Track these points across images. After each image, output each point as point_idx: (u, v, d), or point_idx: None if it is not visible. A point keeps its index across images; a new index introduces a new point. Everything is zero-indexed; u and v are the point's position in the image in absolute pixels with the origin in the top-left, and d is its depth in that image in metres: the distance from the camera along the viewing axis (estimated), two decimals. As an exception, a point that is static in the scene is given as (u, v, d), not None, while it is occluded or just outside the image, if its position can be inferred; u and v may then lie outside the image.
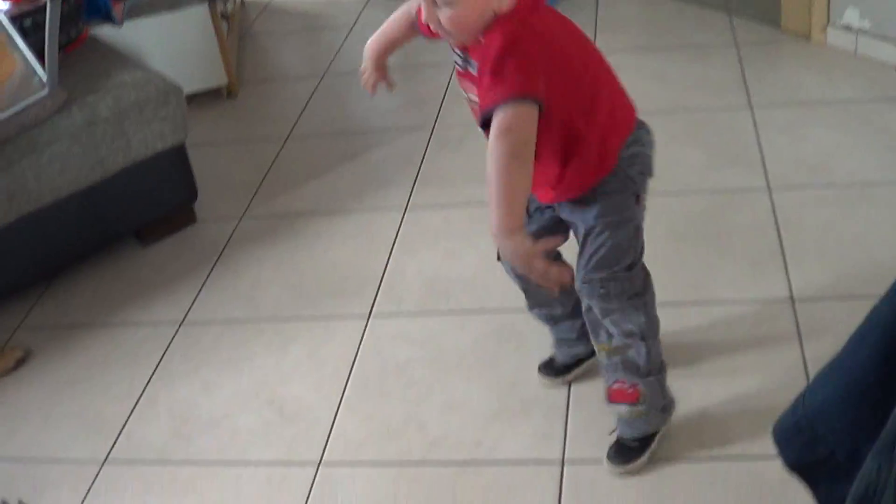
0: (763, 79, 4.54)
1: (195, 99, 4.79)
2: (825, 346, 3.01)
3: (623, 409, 2.78)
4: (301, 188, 4.30)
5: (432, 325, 3.42)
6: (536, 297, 2.96)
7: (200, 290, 3.77)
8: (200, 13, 4.89)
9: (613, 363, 2.74)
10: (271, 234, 4.03)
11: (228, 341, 3.52)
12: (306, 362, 3.35)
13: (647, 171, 2.67)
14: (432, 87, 4.90)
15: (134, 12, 4.64)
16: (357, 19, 5.83)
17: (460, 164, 4.26)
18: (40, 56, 3.68)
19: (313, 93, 5.07)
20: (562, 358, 3.12)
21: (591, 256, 2.61)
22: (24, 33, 3.79)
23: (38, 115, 3.65)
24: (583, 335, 2.92)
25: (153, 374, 3.42)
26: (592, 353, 2.94)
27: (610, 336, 2.71)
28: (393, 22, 2.72)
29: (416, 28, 2.63)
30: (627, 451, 2.82)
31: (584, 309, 2.73)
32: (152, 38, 4.84)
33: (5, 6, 3.94)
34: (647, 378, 2.73)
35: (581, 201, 2.59)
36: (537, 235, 2.50)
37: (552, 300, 2.91)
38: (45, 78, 3.65)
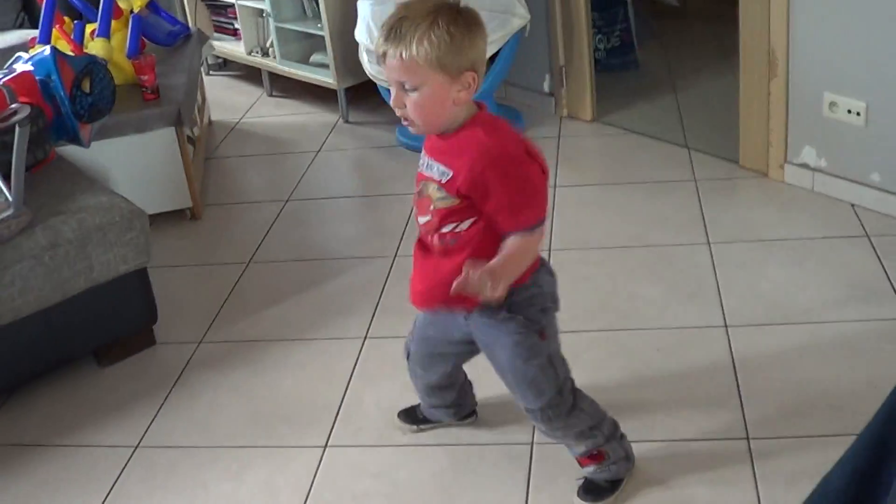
0: (721, 215, 4.60)
1: (158, 219, 4.81)
2: (780, 485, 3.04)
3: (591, 469, 3.10)
4: (261, 314, 4.30)
5: (389, 457, 3.40)
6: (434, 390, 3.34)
7: (157, 414, 3.75)
8: (167, 136, 4.93)
9: (576, 451, 3.09)
10: (230, 359, 4.02)
11: (184, 467, 3.48)
12: (262, 491, 3.32)
13: (548, 308, 2.97)
14: (394, 217, 4.93)
15: (101, 133, 4.67)
16: (322, 146, 5.88)
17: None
18: (6, 176, 3.71)
19: (276, 218, 5.09)
20: (427, 414, 3.48)
21: (516, 394, 3.00)
22: (-9, 153, 3.82)
23: (2, 235, 3.65)
24: (451, 406, 3.41)
25: (105, 498, 3.38)
26: (456, 417, 3.45)
27: (562, 439, 3.08)
28: None
29: None
30: (598, 490, 3.12)
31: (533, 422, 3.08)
32: (119, 158, 4.87)
33: (-28, 126, 3.96)
34: (606, 445, 3.06)
35: (487, 325, 2.91)
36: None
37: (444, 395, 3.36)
38: (10, 198, 3.67)
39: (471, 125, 2.71)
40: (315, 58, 6.38)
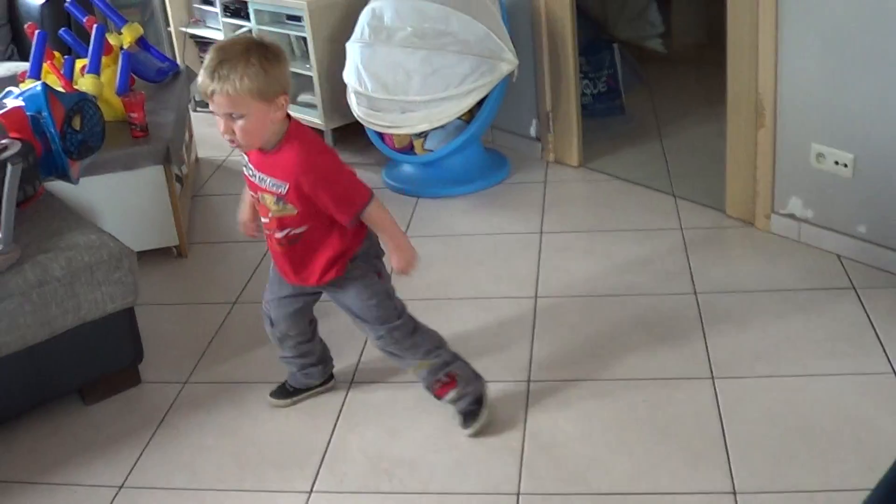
0: (708, 264, 4.62)
1: (145, 256, 4.80)
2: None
3: (451, 395, 3.64)
4: (246, 355, 4.29)
5: (374, 505, 3.40)
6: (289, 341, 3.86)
7: (141, 455, 3.73)
8: (155, 174, 4.93)
9: (423, 375, 3.66)
10: (215, 400, 4.01)
11: (168, 510, 3.48)
12: (246, 536, 3.31)
13: (379, 254, 3.57)
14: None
15: (90, 170, 4.66)
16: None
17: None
18: (-5, 211, 3.71)
19: (262, 258, 5.08)
20: (295, 383, 3.96)
21: (368, 332, 3.63)
22: (-20, 189, 3.81)
23: (-10, 272, 3.66)
24: (318, 363, 3.94)
25: (88, 539, 3.38)
26: (322, 384, 3.98)
27: (416, 360, 3.63)
28: (245, 195, 3.64)
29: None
30: (472, 414, 3.65)
31: (384, 351, 3.65)
32: (107, 195, 4.87)
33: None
34: (453, 365, 3.64)
35: (337, 285, 3.53)
36: (301, 309, 3.74)
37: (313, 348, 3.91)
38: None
39: (287, 141, 3.28)
40: (303, 98, 6.40)
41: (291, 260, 3.49)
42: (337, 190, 3.30)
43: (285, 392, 3.95)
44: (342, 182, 3.32)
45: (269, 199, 3.33)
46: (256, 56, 3.11)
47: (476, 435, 3.62)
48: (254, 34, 3.20)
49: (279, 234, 3.40)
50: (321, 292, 3.68)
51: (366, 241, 3.51)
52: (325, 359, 3.97)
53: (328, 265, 3.46)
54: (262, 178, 3.34)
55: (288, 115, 3.32)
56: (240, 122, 3.15)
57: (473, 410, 3.65)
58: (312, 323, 3.87)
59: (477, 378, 3.69)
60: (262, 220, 3.46)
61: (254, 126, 3.17)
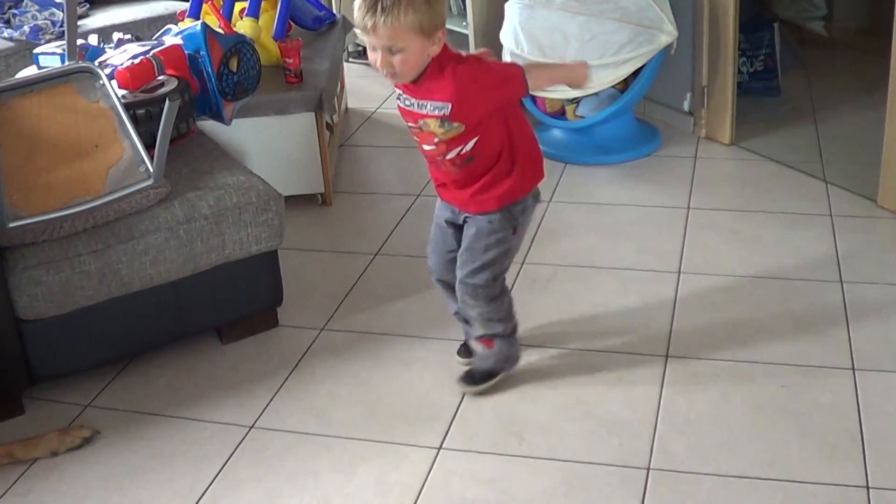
0: (856, 253, 4.52)
1: (289, 202, 4.82)
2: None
3: (479, 349, 3.71)
4: (385, 307, 4.31)
5: (502, 466, 3.38)
6: None
7: (274, 397, 3.77)
8: (307, 121, 4.96)
9: (476, 333, 3.70)
10: (351, 349, 4.03)
11: (297, 453, 3.50)
12: (372, 487, 3.32)
13: (528, 209, 3.58)
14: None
15: (242, 112, 4.70)
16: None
17: (546, 303, 4.25)
18: (149, 146, 3.75)
19: (407, 210, 5.11)
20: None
21: (466, 265, 3.57)
22: (136, 121, 3.86)
23: (140, 204, 3.71)
24: None
25: (217, 475, 3.41)
26: None
27: (474, 316, 3.65)
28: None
29: None
30: (472, 377, 3.73)
31: (458, 299, 3.67)
32: (257, 138, 4.93)
33: (122, 92, 4.01)
34: (502, 339, 3.67)
35: (472, 222, 3.54)
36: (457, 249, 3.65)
37: None
38: (151, 168, 3.71)
39: (437, 63, 3.25)
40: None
41: (467, 181, 3.48)
42: (492, 71, 3.34)
43: (469, 349, 3.88)
44: (489, 65, 3.35)
45: (433, 123, 3.32)
46: None
47: (466, 392, 3.71)
48: None
49: (451, 155, 3.39)
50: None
51: (527, 196, 3.53)
52: None
53: (504, 178, 3.46)
54: (422, 104, 3.32)
55: None
56: (398, 56, 3.16)
57: (476, 377, 3.73)
58: None
59: (507, 360, 3.74)
60: (427, 147, 3.44)
61: (413, 59, 3.18)
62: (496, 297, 3.61)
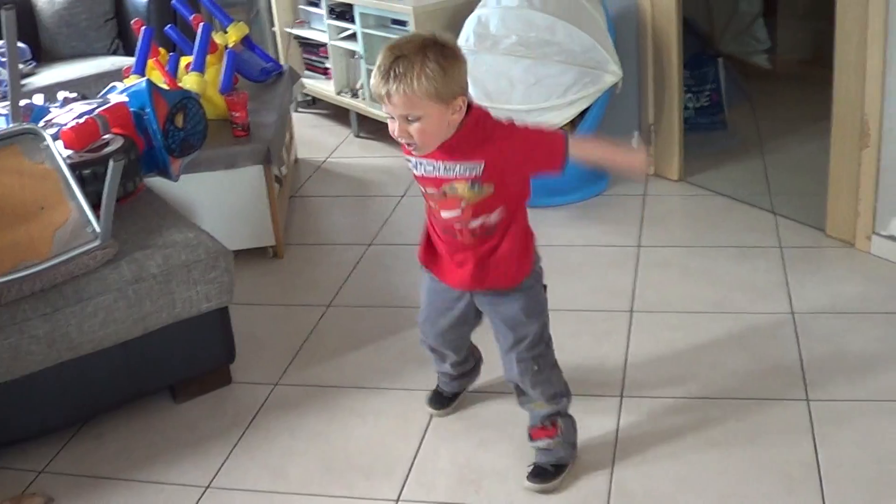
0: (806, 284, 4.55)
1: (241, 255, 4.82)
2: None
3: (544, 442, 3.48)
4: (339, 359, 4.29)
5: (461, 515, 3.37)
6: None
7: (229, 455, 3.75)
8: (255, 174, 4.96)
9: (536, 414, 3.51)
10: (306, 403, 4.01)
11: (254, 512, 3.48)
12: (333, 541, 3.30)
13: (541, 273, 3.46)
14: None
15: (190, 167, 4.70)
16: (407, 190, 5.89)
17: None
18: (95, 206, 3.74)
19: (359, 261, 5.10)
20: (452, 389, 3.87)
21: (519, 342, 3.39)
22: (82, 182, 3.85)
23: (87, 265, 3.69)
24: (463, 375, 3.84)
25: (172, 539, 3.39)
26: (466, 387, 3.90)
27: (539, 399, 3.47)
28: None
29: None
30: (545, 473, 3.46)
31: (512, 381, 3.50)
32: (206, 193, 4.91)
33: (67, 152, 4.00)
34: (565, 419, 3.50)
35: (504, 294, 3.37)
36: (458, 322, 3.54)
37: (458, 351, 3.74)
38: (98, 229, 3.69)
39: (472, 122, 3.11)
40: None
41: (479, 259, 3.30)
42: (534, 137, 3.19)
43: (443, 400, 3.87)
44: (532, 130, 3.21)
45: (462, 187, 3.16)
46: (434, 53, 2.97)
47: (537, 491, 3.44)
48: (429, 33, 3.09)
49: (474, 224, 3.23)
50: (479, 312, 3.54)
51: (537, 252, 3.42)
52: (479, 360, 3.92)
53: (519, 259, 3.32)
54: (450, 168, 3.16)
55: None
56: (416, 125, 3.02)
57: (549, 472, 3.46)
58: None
59: (573, 447, 3.53)
60: (448, 214, 3.26)
61: (432, 128, 3.04)
62: (553, 364, 3.48)
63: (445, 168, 3.17)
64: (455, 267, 3.38)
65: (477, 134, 3.12)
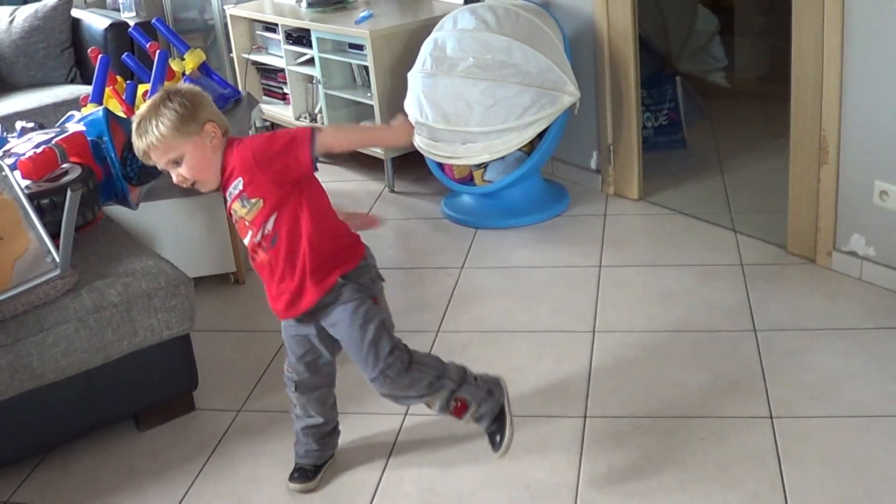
0: (768, 301, 4.57)
1: (202, 282, 4.81)
2: None
3: (466, 416, 3.49)
4: (302, 384, 4.26)
5: (424, 540, 3.36)
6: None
7: (194, 483, 3.73)
8: (214, 200, 4.93)
9: (435, 408, 3.48)
10: (269, 429, 4.00)
11: (219, 539, 3.46)
12: (296, 568, 3.29)
13: (376, 279, 3.49)
14: (438, 290, 4.94)
15: (150, 195, 4.68)
16: (368, 212, 5.85)
17: (463, 370, 4.23)
18: (55, 235, 3.71)
19: (320, 285, 5.08)
20: (315, 461, 3.72)
21: (364, 360, 3.40)
22: (41, 211, 3.83)
23: (48, 295, 3.67)
24: (327, 444, 3.75)
25: (138, 570, 3.37)
26: (332, 455, 3.78)
27: (418, 399, 3.47)
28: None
29: None
30: (493, 435, 3.51)
31: (384, 395, 3.48)
32: (166, 221, 4.89)
33: (25, 182, 3.98)
34: (460, 389, 3.46)
35: (329, 312, 3.39)
36: (312, 360, 3.62)
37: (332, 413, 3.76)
38: (58, 258, 3.67)
39: (228, 149, 3.27)
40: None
41: (281, 277, 3.34)
42: (271, 136, 3.28)
43: (307, 473, 3.71)
44: (279, 136, 3.28)
45: (238, 207, 3.27)
46: (164, 102, 3.19)
47: (506, 453, 3.48)
48: (162, 90, 3.32)
49: (257, 238, 3.30)
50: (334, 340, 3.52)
51: (362, 261, 3.43)
52: (337, 423, 3.83)
53: (316, 269, 3.31)
54: (230, 193, 3.29)
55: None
56: (184, 166, 3.22)
57: (494, 431, 3.50)
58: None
59: (490, 395, 3.51)
60: (245, 242, 3.38)
61: (196, 160, 3.22)
62: (409, 364, 3.41)
63: (229, 195, 3.32)
64: (273, 287, 3.44)
65: (231, 153, 3.27)
